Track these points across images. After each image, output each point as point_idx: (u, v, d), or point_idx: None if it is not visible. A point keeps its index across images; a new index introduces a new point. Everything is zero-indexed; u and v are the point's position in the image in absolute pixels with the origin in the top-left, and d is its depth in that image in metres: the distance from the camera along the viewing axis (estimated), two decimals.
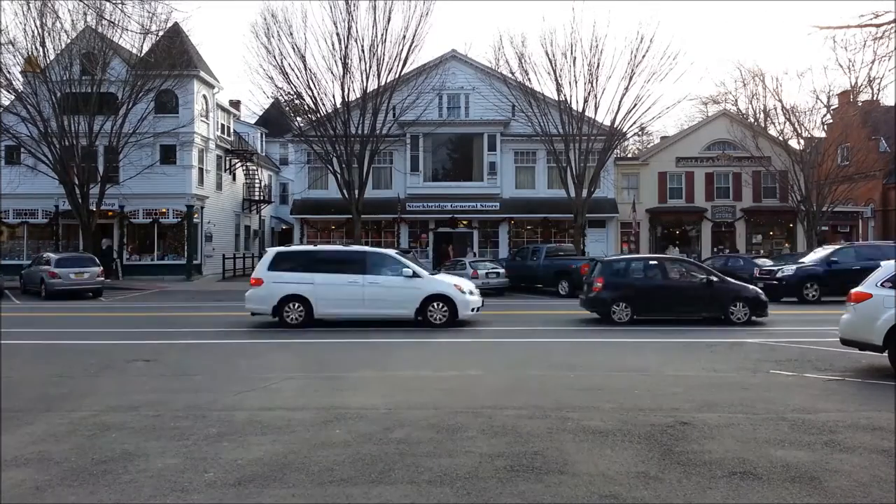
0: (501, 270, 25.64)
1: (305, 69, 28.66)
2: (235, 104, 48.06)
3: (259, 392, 8.53)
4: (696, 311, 16.31)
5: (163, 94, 31.74)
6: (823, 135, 36.53)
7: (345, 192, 29.46)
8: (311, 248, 18.68)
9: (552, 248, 27.00)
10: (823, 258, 21.78)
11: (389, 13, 28.46)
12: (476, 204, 33.19)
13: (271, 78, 29.46)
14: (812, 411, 7.39)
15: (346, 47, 28.40)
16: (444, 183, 33.86)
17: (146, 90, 29.77)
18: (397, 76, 29.33)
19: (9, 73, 28.32)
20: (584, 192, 29.77)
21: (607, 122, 30.22)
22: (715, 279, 16.11)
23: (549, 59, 29.42)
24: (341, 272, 15.37)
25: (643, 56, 29.03)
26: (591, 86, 29.34)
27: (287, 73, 28.85)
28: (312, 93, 29.19)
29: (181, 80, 31.87)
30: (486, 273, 25.15)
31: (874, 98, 39.99)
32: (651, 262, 17.69)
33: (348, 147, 29.02)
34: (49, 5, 27.54)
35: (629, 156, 42.92)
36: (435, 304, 15.16)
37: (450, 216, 33.22)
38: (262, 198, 43.90)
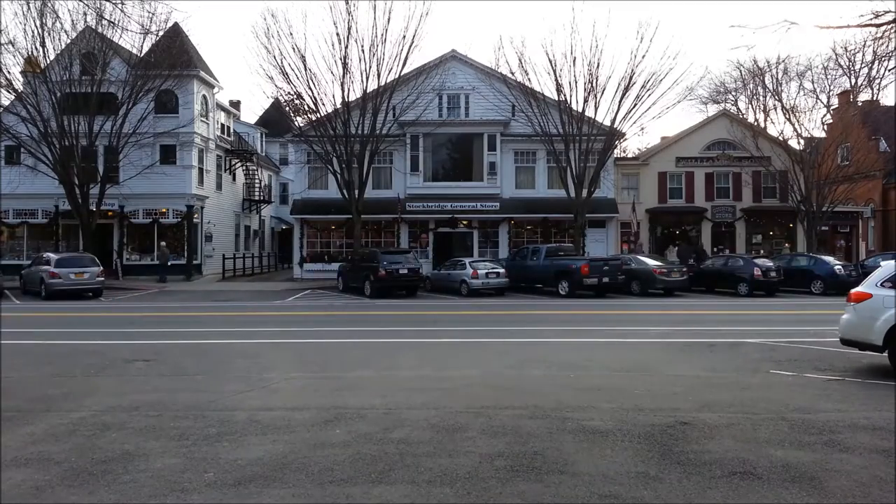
0: (501, 270, 25.64)
1: (305, 69, 28.66)
2: (235, 104, 48.07)
3: (259, 392, 8.52)
4: None
5: (163, 94, 31.74)
6: (823, 135, 36.52)
7: (345, 192, 29.45)
8: None
9: (552, 248, 26.98)
10: None
11: (389, 13, 28.48)
12: (476, 204, 33.15)
13: (271, 78, 29.47)
14: (812, 411, 7.39)
15: (346, 47, 28.40)
16: (444, 183, 33.82)
17: (146, 90, 29.75)
18: (397, 76, 29.31)
19: (9, 73, 28.35)
20: (584, 192, 29.74)
21: (607, 122, 30.20)
22: None
23: (549, 59, 29.41)
24: None
25: (643, 56, 29.05)
26: (591, 86, 29.31)
27: (287, 74, 28.84)
28: (312, 93, 29.19)
29: (181, 80, 31.87)
30: (486, 273, 25.18)
31: (874, 98, 40.02)
32: None
33: (348, 147, 29.01)
34: (49, 5, 27.54)
35: (629, 156, 42.91)
36: None
37: (450, 216, 33.20)
38: (262, 198, 43.89)
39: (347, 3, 28.14)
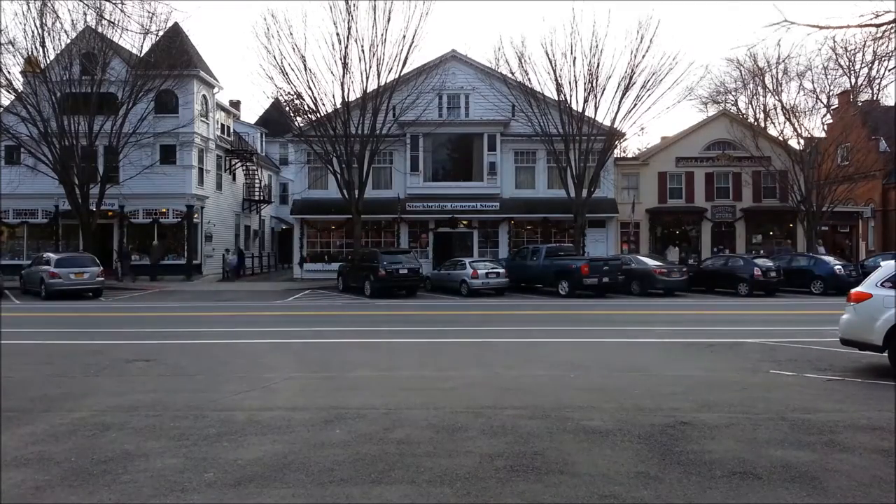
0: (501, 270, 25.64)
1: (305, 69, 28.64)
2: (235, 104, 48.08)
3: (259, 392, 8.52)
4: None
5: (163, 94, 31.74)
6: (823, 135, 36.49)
7: (345, 192, 29.44)
8: None
9: (552, 248, 26.99)
10: None
11: (389, 13, 28.46)
12: (476, 204, 33.15)
13: (271, 78, 29.54)
14: (812, 411, 7.39)
15: (346, 47, 28.39)
16: (444, 183, 33.81)
17: (146, 90, 29.76)
18: (397, 76, 29.31)
19: (9, 73, 28.36)
20: (584, 192, 29.75)
21: (607, 123, 30.20)
22: None
23: (549, 59, 29.41)
24: None
25: (643, 56, 29.04)
26: (591, 85, 29.31)
27: (287, 73, 28.82)
28: (312, 93, 29.18)
29: (181, 80, 31.87)
30: (486, 273, 25.18)
31: (874, 98, 39.98)
32: None
33: (348, 147, 29.00)
34: (49, 5, 27.55)
35: (629, 156, 42.89)
36: None
37: (450, 216, 33.19)
38: (262, 198, 43.88)
39: (347, 4, 28.16)
